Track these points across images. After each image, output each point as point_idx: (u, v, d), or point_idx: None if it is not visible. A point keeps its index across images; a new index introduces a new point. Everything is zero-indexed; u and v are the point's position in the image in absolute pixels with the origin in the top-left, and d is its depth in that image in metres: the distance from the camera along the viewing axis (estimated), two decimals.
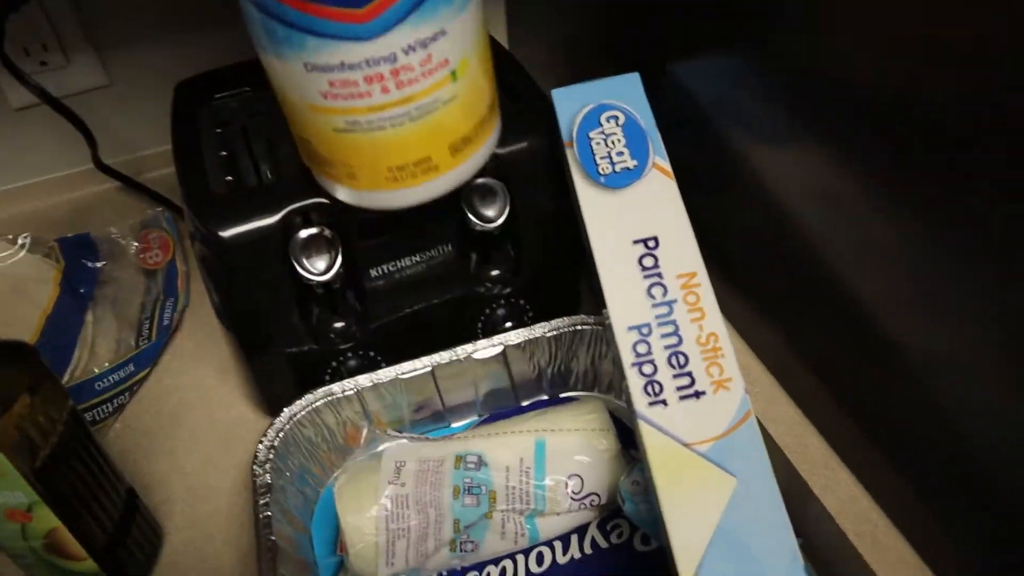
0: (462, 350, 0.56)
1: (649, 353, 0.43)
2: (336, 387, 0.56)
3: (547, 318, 0.57)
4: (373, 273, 0.56)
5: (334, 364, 0.58)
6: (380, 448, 0.53)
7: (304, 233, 0.53)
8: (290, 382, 0.58)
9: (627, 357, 0.43)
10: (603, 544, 0.51)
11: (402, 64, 0.42)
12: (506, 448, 0.51)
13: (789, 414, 0.49)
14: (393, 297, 0.58)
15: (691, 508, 0.40)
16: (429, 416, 0.59)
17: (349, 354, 0.58)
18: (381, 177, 0.47)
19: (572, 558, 0.51)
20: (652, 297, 0.45)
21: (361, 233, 0.54)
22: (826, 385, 0.47)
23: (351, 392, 0.56)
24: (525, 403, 0.60)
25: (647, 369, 0.43)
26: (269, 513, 0.50)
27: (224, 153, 0.60)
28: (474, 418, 0.60)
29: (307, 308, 0.57)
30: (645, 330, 0.44)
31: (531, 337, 0.57)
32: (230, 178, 0.58)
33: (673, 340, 0.43)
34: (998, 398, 0.36)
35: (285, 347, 0.57)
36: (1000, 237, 0.33)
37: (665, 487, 0.40)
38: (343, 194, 0.50)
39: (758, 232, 0.50)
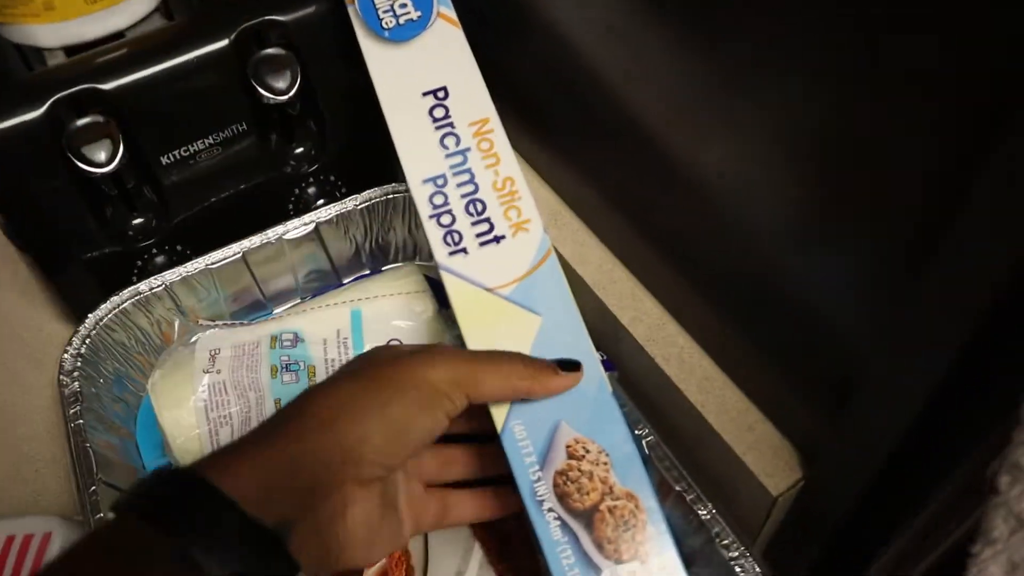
0: (273, 232, 0.54)
1: (446, 204, 0.42)
2: (143, 285, 0.53)
3: (360, 191, 0.56)
4: (164, 161, 0.52)
5: (140, 264, 0.55)
6: (194, 339, 0.51)
7: (77, 123, 0.49)
8: (97, 289, 0.55)
9: (424, 210, 0.42)
10: None
11: None
12: (322, 322, 0.49)
13: (597, 254, 0.50)
14: (193, 186, 0.55)
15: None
16: (249, 305, 0.57)
17: (155, 251, 0.55)
18: (79, 0, 0.48)
19: None
20: (445, 148, 0.43)
21: (141, 116, 0.50)
22: (629, 220, 0.48)
23: (159, 288, 0.53)
24: (346, 280, 0.59)
25: (445, 220, 0.42)
26: (81, 421, 0.48)
27: None
28: (296, 301, 0.58)
29: (100, 207, 0.54)
30: (440, 181, 0.43)
31: (343, 211, 0.55)
32: None
33: (469, 188, 0.42)
34: (782, 216, 0.37)
35: (84, 253, 0.54)
36: (776, 55, 0.33)
37: (471, 333, 0.40)
38: (45, 35, 0.50)
39: (552, 74, 0.49)
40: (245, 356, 0.49)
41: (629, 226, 0.48)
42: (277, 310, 0.58)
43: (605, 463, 0.37)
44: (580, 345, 0.40)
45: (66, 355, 0.50)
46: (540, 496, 0.37)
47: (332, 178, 0.59)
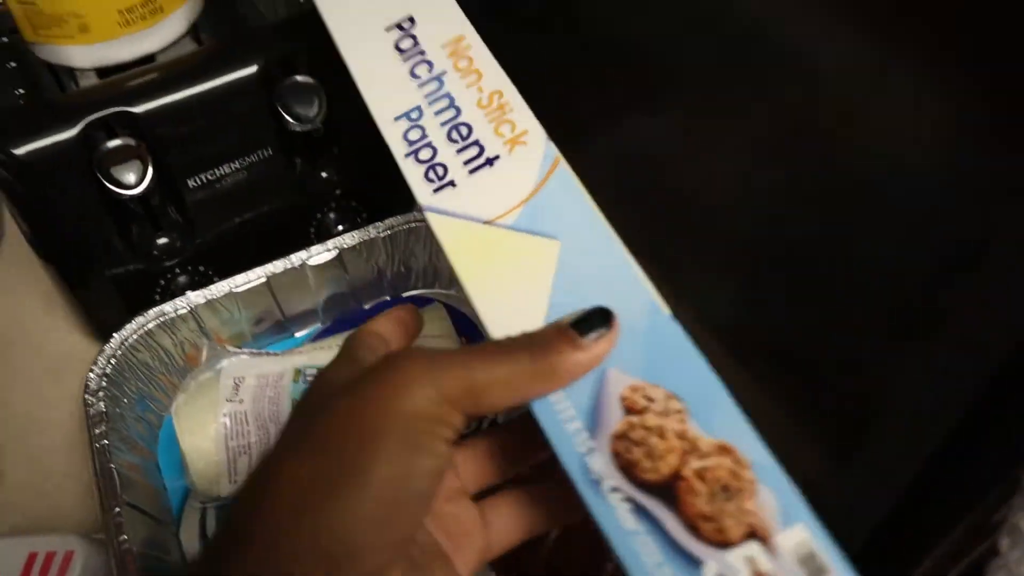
0: (296, 257, 0.55)
1: (424, 137, 0.36)
2: (168, 307, 0.54)
3: (382, 218, 0.56)
4: (191, 183, 0.53)
5: (163, 283, 0.56)
6: (219, 365, 0.52)
7: (108, 145, 0.50)
8: (120, 306, 0.56)
9: (398, 150, 0.36)
10: None
11: None
12: None
13: None
14: (218, 207, 0.55)
15: (513, 294, 0.31)
16: (271, 327, 0.58)
17: (178, 271, 0.56)
18: (113, 22, 0.50)
19: None
20: (417, 77, 0.37)
21: (170, 139, 0.51)
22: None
23: (184, 311, 0.54)
24: (367, 306, 0.59)
25: (424, 155, 0.35)
26: (107, 442, 0.48)
27: (13, 64, 0.55)
28: (316, 325, 0.59)
29: (126, 226, 0.54)
30: (415, 114, 0.36)
31: (366, 239, 0.56)
32: (22, 91, 0.54)
33: (450, 114, 0.36)
34: (780, 261, 0.38)
35: (108, 269, 0.54)
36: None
37: (474, 283, 0.31)
38: (79, 57, 0.51)
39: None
40: (268, 387, 0.49)
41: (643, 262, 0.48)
42: (298, 334, 0.59)
43: (679, 411, 0.27)
44: (617, 264, 0.31)
45: (91, 374, 0.51)
46: (596, 474, 0.27)
47: (353, 204, 0.59)
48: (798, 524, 0.25)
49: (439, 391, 0.25)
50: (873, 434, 0.36)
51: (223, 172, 0.54)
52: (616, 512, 0.26)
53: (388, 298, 0.60)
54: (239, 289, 0.54)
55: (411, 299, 0.60)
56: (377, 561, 0.24)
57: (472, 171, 0.34)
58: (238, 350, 0.54)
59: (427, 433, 0.25)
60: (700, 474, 0.26)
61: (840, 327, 0.37)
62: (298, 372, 0.50)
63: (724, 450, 0.26)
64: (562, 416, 0.27)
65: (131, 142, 0.50)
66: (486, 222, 0.33)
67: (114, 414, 0.50)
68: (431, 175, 0.34)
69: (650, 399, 0.27)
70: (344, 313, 0.59)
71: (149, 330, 0.53)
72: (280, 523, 0.24)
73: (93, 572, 0.44)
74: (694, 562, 0.25)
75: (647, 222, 0.47)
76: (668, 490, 0.26)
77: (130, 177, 0.50)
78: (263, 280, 0.54)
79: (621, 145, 0.48)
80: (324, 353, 0.51)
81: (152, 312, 0.53)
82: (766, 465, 0.26)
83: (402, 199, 0.60)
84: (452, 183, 0.34)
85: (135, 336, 0.53)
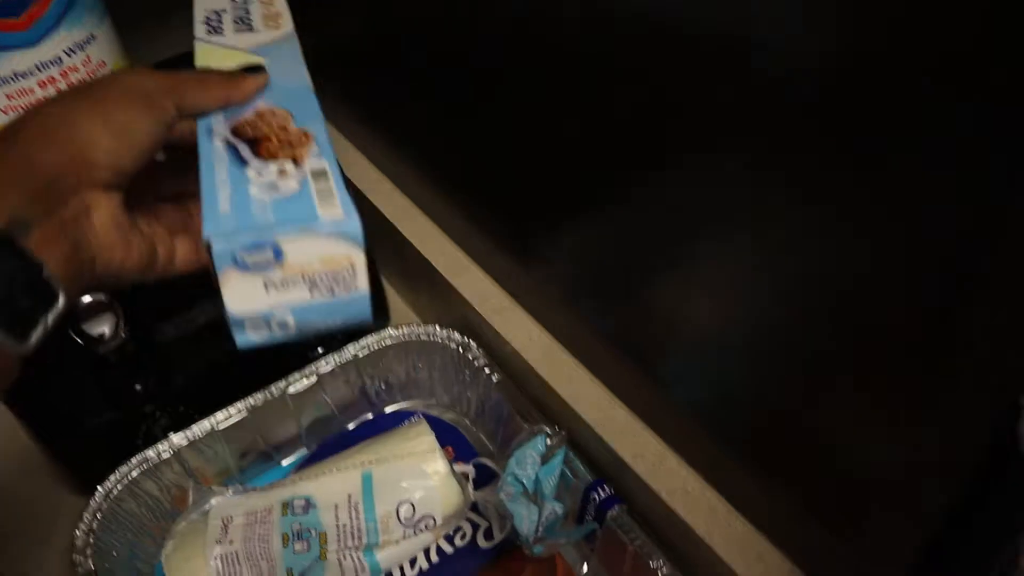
0: (276, 388, 0.55)
1: (219, 20, 0.46)
2: (151, 452, 0.54)
3: (357, 337, 0.57)
4: (164, 327, 0.54)
5: (144, 427, 0.56)
6: (206, 507, 0.52)
7: (81, 302, 0.50)
8: (101, 455, 0.55)
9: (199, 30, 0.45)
10: (448, 549, 0.52)
11: (68, 66, 0.54)
12: (333, 486, 0.50)
13: (595, 393, 0.52)
14: (193, 345, 0.56)
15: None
16: (256, 459, 0.58)
17: (157, 413, 0.56)
18: None
19: (420, 570, 0.51)
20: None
21: (143, 292, 0.52)
22: (620, 353, 0.50)
23: (168, 454, 0.54)
24: (351, 426, 0.60)
25: (213, 23, 0.45)
26: None
27: None
28: (303, 451, 0.59)
29: (100, 375, 0.54)
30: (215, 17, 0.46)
31: (343, 361, 0.56)
32: None
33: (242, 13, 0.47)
34: (782, 346, 0.39)
35: (85, 421, 0.54)
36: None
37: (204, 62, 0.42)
38: None
39: None
40: (257, 524, 0.49)
41: (627, 363, 0.50)
42: (285, 462, 0.58)
43: (287, 117, 0.40)
44: (298, 71, 0.43)
45: (78, 532, 0.50)
46: (213, 130, 0.38)
47: None
48: (324, 160, 0.38)
49: (160, 83, 0.37)
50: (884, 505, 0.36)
51: (195, 314, 0.54)
52: (214, 146, 0.38)
53: (371, 416, 0.60)
54: (221, 426, 0.54)
55: (394, 413, 0.60)
56: (106, 176, 0.35)
57: (238, 31, 0.45)
58: (223, 489, 0.54)
59: (150, 106, 0.36)
60: (279, 137, 0.38)
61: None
62: (285, 505, 0.50)
63: (305, 133, 0.39)
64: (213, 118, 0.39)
65: (101, 298, 0.50)
66: (232, 47, 0.43)
67: (103, 570, 0.50)
68: (208, 25, 0.45)
69: (274, 113, 0.39)
70: (329, 436, 0.59)
71: (134, 478, 0.53)
72: (34, 138, 0.34)
73: None
74: (243, 163, 0.37)
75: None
76: (255, 142, 0.38)
77: (103, 330, 0.51)
78: (244, 414, 0.55)
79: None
80: (308, 483, 0.51)
81: (135, 460, 0.53)
82: (324, 142, 0.39)
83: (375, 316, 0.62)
84: (222, 32, 0.45)
85: (120, 486, 0.52)
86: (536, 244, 0.53)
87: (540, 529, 0.47)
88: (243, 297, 0.36)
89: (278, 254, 0.36)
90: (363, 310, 0.40)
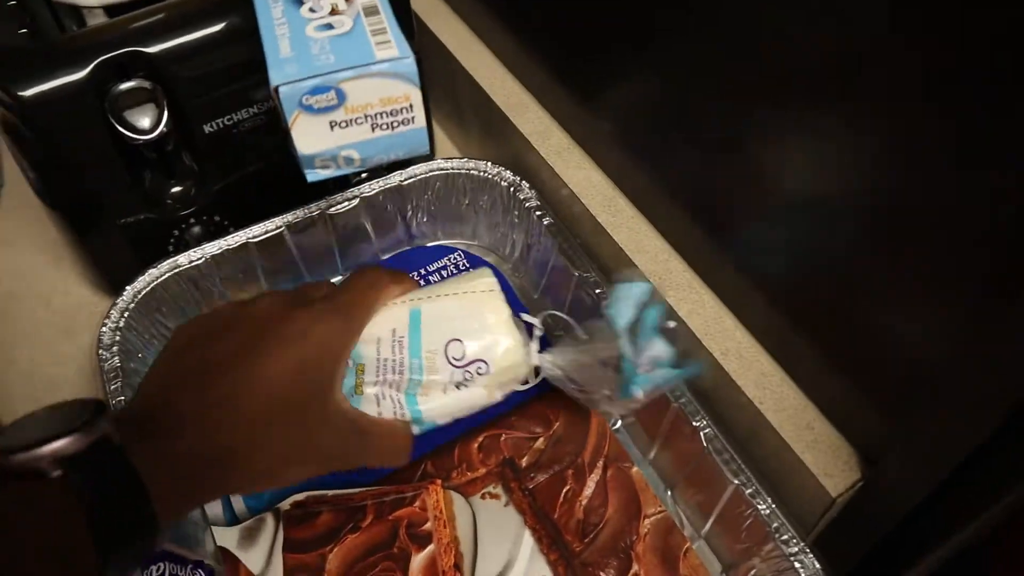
0: (316, 206, 0.53)
1: None
2: (182, 258, 0.52)
3: (403, 166, 0.55)
4: (208, 129, 0.51)
5: (176, 233, 0.54)
6: None
7: (121, 87, 0.47)
8: (131, 258, 0.53)
9: None
10: None
11: None
12: (378, 318, 0.47)
13: (654, 244, 0.49)
14: (235, 154, 0.53)
15: None
16: (288, 280, 0.56)
17: (192, 221, 0.54)
18: None
19: None
20: None
21: (186, 82, 0.49)
22: (689, 211, 0.47)
23: (199, 262, 0.52)
24: (386, 256, 0.57)
25: None
26: (122, 398, 0.47)
27: (13, 3, 0.52)
28: (337, 277, 0.57)
29: (138, 173, 0.52)
30: None
31: (387, 187, 0.54)
32: (24, 31, 0.51)
33: None
34: (860, 224, 0.37)
35: (119, 219, 0.52)
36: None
37: None
38: None
39: (617, 44, 0.48)
40: None
41: (688, 217, 0.47)
42: None
43: None
44: None
45: (105, 329, 0.49)
46: None
47: None
48: None
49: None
50: (946, 389, 0.35)
51: (241, 117, 0.51)
52: None
53: (408, 247, 0.58)
54: (255, 239, 0.52)
55: (433, 248, 0.58)
56: None
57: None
58: None
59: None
60: None
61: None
62: None
63: None
64: None
65: (145, 84, 0.47)
66: None
67: (129, 369, 0.49)
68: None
69: None
70: (363, 263, 0.57)
71: (163, 282, 0.51)
72: None
73: None
74: (298, 2, 0.38)
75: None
76: None
77: (144, 122, 0.48)
78: (281, 230, 0.52)
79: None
80: None
81: (166, 264, 0.51)
82: None
83: None
84: None
85: (148, 288, 0.51)
86: (601, 86, 0.50)
87: (642, 368, 0.42)
88: (311, 138, 0.39)
89: (341, 96, 0.38)
90: (421, 143, 0.41)
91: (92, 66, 0.46)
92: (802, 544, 0.41)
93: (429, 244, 0.58)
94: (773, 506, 0.42)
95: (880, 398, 0.40)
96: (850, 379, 0.41)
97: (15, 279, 0.59)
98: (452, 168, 0.55)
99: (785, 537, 0.41)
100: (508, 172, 0.55)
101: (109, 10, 0.50)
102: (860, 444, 0.42)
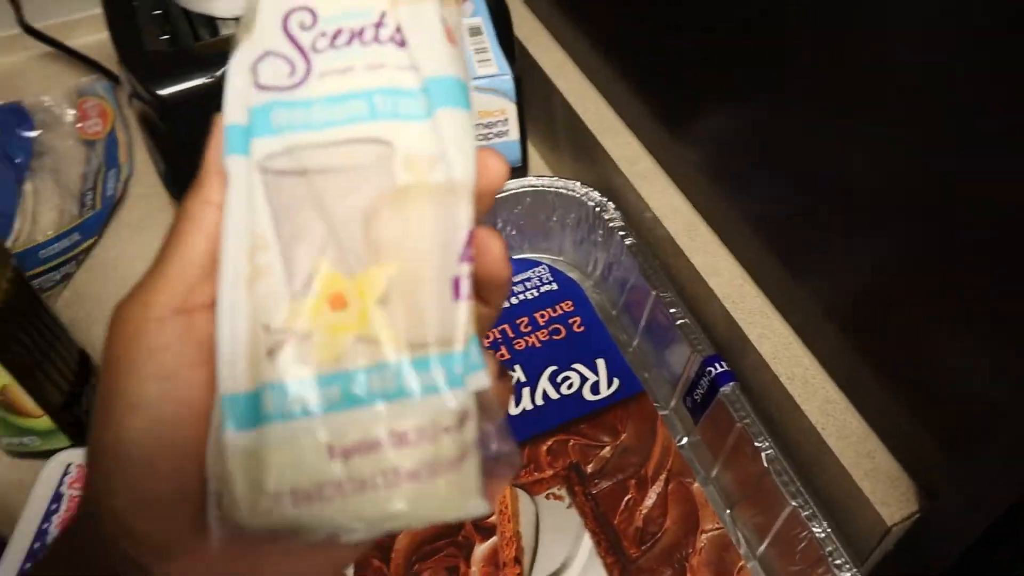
0: None
1: None
2: None
3: None
4: None
5: None
6: None
7: None
8: None
9: None
10: (554, 395, 0.53)
11: None
12: None
13: (729, 267, 0.51)
14: None
15: None
16: None
17: None
18: None
19: (524, 409, 0.53)
20: None
21: None
22: (765, 237, 0.49)
23: None
24: None
25: None
26: None
27: (158, 12, 0.58)
28: None
29: None
30: None
31: None
32: (167, 36, 0.56)
33: None
34: (933, 260, 0.38)
35: None
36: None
37: None
38: (223, 6, 0.52)
39: (702, 65, 0.50)
40: None
41: (764, 244, 0.49)
42: None
43: None
44: None
45: None
46: None
47: None
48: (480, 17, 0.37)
49: None
50: (1007, 428, 0.35)
51: None
52: None
53: None
54: None
55: (519, 261, 0.61)
56: None
57: None
58: None
59: None
60: None
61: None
62: None
63: None
64: None
65: None
66: None
67: None
68: None
69: None
70: None
71: None
72: None
73: None
74: None
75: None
76: None
77: None
78: None
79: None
80: None
81: None
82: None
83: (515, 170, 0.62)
84: None
85: None
86: (690, 117, 0.52)
87: None
88: None
89: None
90: (514, 155, 0.43)
91: (223, 71, 0.51)
92: (855, 570, 0.42)
93: (516, 256, 0.61)
94: (829, 530, 0.43)
95: (941, 432, 0.41)
96: (913, 411, 0.42)
97: (143, 262, 0.65)
98: (543, 185, 0.58)
99: (839, 562, 0.42)
100: (595, 192, 0.57)
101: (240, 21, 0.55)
102: (919, 476, 0.43)
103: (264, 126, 0.22)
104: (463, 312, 0.21)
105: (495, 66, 0.40)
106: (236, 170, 0.22)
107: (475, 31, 0.42)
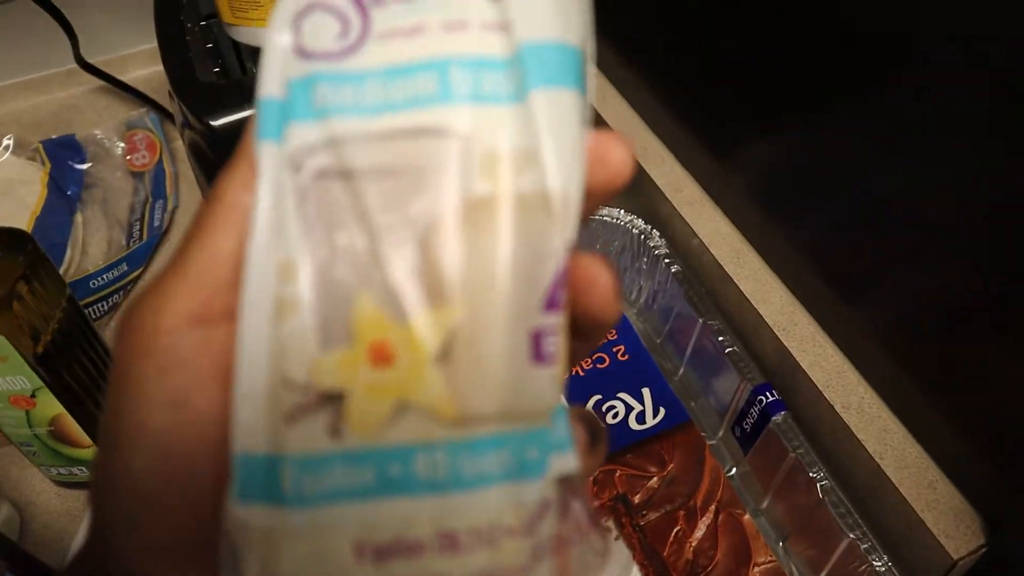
0: None
1: None
2: None
3: None
4: None
5: None
6: None
7: None
8: None
9: None
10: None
11: None
12: None
13: (779, 295, 0.50)
14: None
15: None
16: None
17: None
18: None
19: None
20: None
21: None
22: (814, 266, 0.48)
23: None
24: None
25: None
26: None
27: (210, 45, 0.59)
28: None
29: None
30: None
31: None
32: (217, 69, 0.58)
33: None
34: (990, 288, 0.37)
35: None
36: None
37: None
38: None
39: (749, 103, 0.49)
40: None
41: (814, 271, 0.48)
42: None
43: None
44: None
45: None
46: None
47: None
48: None
49: None
50: None
51: None
52: None
53: None
54: None
55: None
56: None
57: None
58: None
59: None
60: None
61: None
62: None
63: None
64: None
65: None
66: None
67: None
68: None
69: None
70: None
71: None
72: None
73: None
74: None
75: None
76: None
77: None
78: None
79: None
80: None
81: None
82: None
83: None
84: None
85: None
86: (736, 144, 0.52)
87: None
88: None
89: None
90: None
91: None
92: None
93: None
94: (889, 564, 0.41)
95: (1004, 461, 0.39)
96: (973, 440, 0.41)
97: None
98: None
99: None
100: (640, 220, 0.57)
101: None
102: (983, 508, 0.41)
103: (303, 106, 0.17)
104: (546, 378, 0.16)
105: None
106: (267, 163, 0.17)
107: None
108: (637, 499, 0.49)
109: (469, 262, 0.16)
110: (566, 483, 0.17)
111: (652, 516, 0.49)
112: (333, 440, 0.16)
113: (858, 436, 0.44)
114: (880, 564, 0.41)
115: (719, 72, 0.51)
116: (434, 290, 0.16)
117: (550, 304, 0.16)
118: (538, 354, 0.16)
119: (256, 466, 0.16)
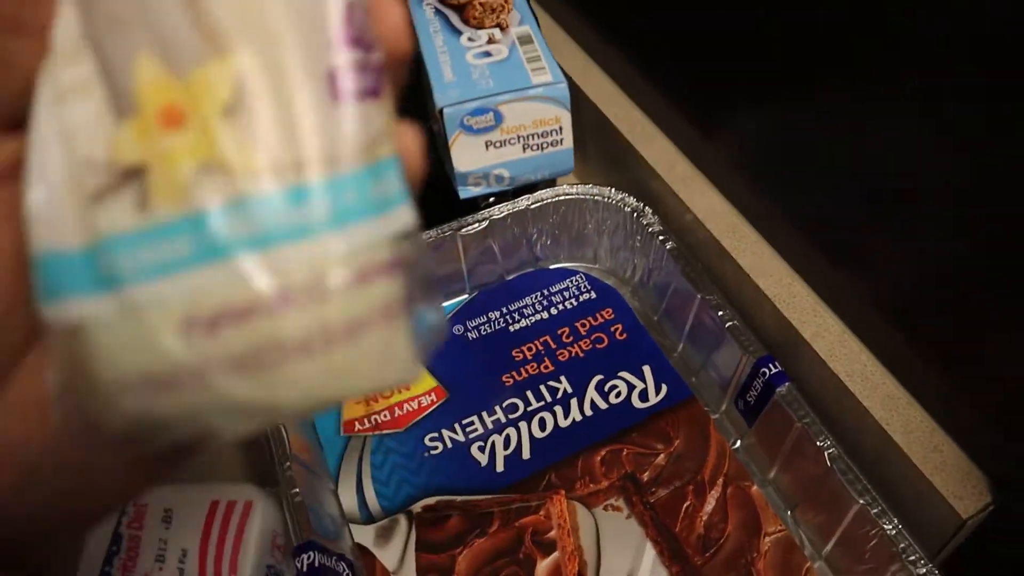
0: (448, 227, 0.56)
1: None
2: None
3: (530, 190, 0.57)
4: None
5: None
6: None
7: None
8: None
9: None
10: (602, 405, 0.53)
11: None
12: None
13: (776, 267, 0.50)
14: None
15: None
16: None
17: None
18: None
19: (573, 420, 0.52)
20: None
21: None
22: (812, 238, 0.48)
23: None
24: (511, 276, 0.60)
25: None
26: None
27: None
28: (463, 296, 0.60)
29: None
30: None
31: (515, 211, 0.56)
32: None
33: None
34: (994, 250, 0.37)
35: None
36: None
37: None
38: None
39: (746, 77, 0.49)
40: None
41: (811, 242, 0.48)
42: (445, 304, 0.60)
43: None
44: None
45: None
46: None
47: None
48: (525, 25, 0.45)
49: None
50: None
51: None
52: (426, 14, 0.45)
53: (531, 269, 0.60)
54: None
55: (556, 270, 0.60)
56: None
57: None
58: None
59: None
60: (482, 1, 0.43)
61: None
62: None
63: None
64: None
65: None
66: None
67: None
68: None
69: None
70: (490, 284, 0.60)
71: None
72: None
73: (270, 523, 0.46)
74: (457, 32, 0.42)
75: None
76: (461, 8, 0.44)
77: None
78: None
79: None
80: None
81: None
82: (523, 8, 0.43)
83: None
84: None
85: None
86: (726, 116, 0.52)
87: None
88: (468, 156, 0.42)
89: (498, 117, 0.42)
90: (567, 163, 0.44)
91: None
92: (930, 565, 0.41)
93: (551, 267, 0.61)
94: (900, 527, 0.42)
95: (1008, 422, 0.40)
96: (977, 402, 0.41)
97: None
98: (577, 194, 0.57)
99: (912, 558, 0.42)
100: (631, 198, 0.57)
101: None
102: (989, 468, 0.42)
103: None
104: (350, 116, 0.16)
105: (549, 74, 0.41)
106: None
107: (525, 39, 0.43)
108: (646, 477, 0.50)
109: (241, 8, 0.15)
110: (401, 240, 0.17)
111: (662, 493, 0.49)
112: (142, 214, 0.15)
113: (864, 403, 0.45)
114: (891, 527, 0.42)
115: (705, 44, 0.51)
116: (212, 40, 0.15)
117: (347, 41, 0.16)
118: (335, 92, 0.16)
119: (62, 259, 0.15)
